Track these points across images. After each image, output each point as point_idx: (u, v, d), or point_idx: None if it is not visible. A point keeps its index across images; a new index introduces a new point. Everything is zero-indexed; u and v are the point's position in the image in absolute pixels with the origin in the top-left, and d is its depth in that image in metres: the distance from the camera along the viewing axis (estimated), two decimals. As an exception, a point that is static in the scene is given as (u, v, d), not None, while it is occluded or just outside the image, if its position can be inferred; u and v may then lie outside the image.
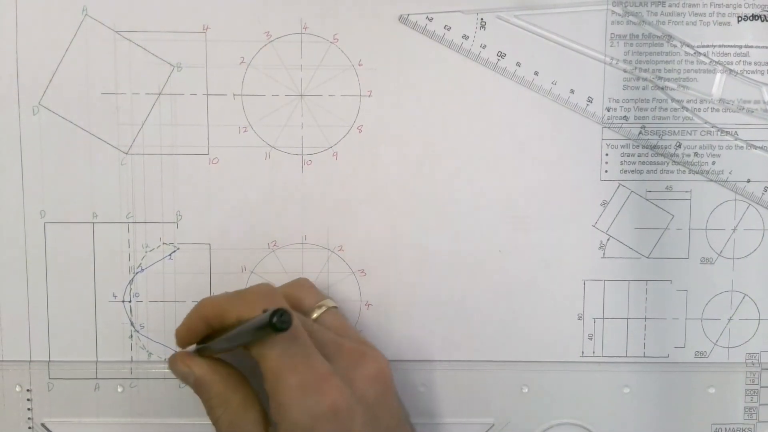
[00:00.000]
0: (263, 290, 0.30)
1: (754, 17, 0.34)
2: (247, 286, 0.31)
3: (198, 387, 0.30)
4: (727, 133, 0.35)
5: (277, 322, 0.25)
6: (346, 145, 0.35)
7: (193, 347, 0.31)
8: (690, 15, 0.34)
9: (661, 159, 0.35)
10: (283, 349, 0.27)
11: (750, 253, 0.36)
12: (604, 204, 0.35)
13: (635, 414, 0.36)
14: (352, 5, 0.34)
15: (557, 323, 0.36)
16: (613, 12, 0.34)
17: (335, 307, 0.33)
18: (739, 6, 0.34)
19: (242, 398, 0.30)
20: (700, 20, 0.34)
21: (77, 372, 0.35)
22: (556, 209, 0.35)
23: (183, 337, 0.31)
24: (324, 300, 0.33)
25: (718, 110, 0.35)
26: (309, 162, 0.35)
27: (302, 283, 0.34)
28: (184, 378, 0.31)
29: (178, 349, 0.31)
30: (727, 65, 0.35)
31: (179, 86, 0.34)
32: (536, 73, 0.35)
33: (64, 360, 0.35)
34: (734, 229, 0.35)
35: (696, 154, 0.35)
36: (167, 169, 0.35)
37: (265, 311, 0.26)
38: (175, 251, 0.35)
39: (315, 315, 0.32)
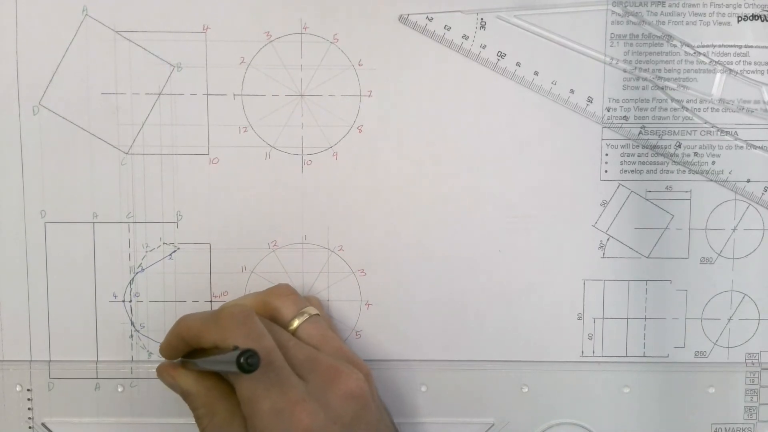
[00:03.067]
0: (238, 314, 0.29)
1: (754, 17, 0.34)
2: (225, 303, 0.31)
3: (184, 397, 0.31)
4: (727, 133, 0.35)
5: (244, 364, 0.26)
6: (346, 145, 0.35)
7: (179, 359, 0.32)
8: (690, 15, 0.34)
9: (661, 159, 0.35)
10: (257, 374, 0.27)
11: (750, 253, 0.36)
12: (604, 204, 0.35)
13: (635, 414, 0.36)
14: (352, 5, 0.34)
15: (557, 323, 0.36)
16: (613, 12, 0.34)
17: (317, 314, 0.32)
18: (739, 6, 0.34)
19: (227, 408, 0.30)
20: (700, 20, 0.34)
21: (77, 372, 0.35)
22: (555, 209, 0.35)
23: (166, 353, 0.31)
24: (305, 307, 0.32)
25: (717, 110, 0.35)
26: (309, 162, 0.35)
27: (281, 291, 0.33)
28: (171, 388, 0.31)
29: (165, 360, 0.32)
30: (727, 65, 0.35)
31: (179, 86, 0.34)
32: (536, 73, 0.35)
33: (65, 360, 0.35)
34: (734, 229, 0.35)
35: (696, 154, 0.35)
36: (167, 169, 0.35)
37: (235, 348, 0.27)
38: (175, 251, 0.35)
39: (294, 325, 0.31)
